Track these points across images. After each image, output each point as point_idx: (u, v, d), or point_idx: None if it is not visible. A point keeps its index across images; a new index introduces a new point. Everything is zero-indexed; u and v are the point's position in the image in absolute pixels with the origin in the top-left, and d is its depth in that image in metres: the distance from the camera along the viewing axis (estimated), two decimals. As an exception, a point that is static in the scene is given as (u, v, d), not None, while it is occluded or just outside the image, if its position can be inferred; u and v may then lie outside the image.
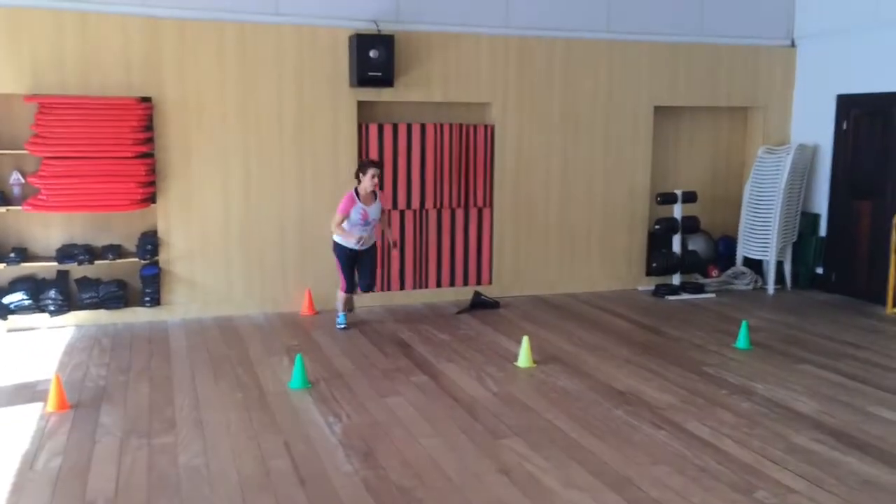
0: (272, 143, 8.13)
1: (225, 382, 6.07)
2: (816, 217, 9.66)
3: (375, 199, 7.43)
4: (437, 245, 8.87)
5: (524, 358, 6.55)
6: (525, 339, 6.63)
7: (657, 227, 9.29)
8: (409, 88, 8.45)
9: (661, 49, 9.37)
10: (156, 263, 7.90)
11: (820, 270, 9.65)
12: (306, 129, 8.20)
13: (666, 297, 9.19)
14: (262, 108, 8.05)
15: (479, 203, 8.96)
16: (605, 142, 9.32)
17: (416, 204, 8.70)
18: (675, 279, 9.41)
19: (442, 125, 8.72)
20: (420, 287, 8.85)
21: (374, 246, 7.67)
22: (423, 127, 8.63)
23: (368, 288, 7.78)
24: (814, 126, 9.65)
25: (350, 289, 7.67)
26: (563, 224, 9.29)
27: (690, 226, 9.38)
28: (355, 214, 7.32)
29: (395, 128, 8.55)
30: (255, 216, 8.17)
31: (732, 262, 10.01)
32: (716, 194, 10.14)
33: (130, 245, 8.01)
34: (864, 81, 8.94)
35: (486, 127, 8.89)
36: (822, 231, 9.60)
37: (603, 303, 8.90)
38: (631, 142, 9.41)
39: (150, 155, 7.70)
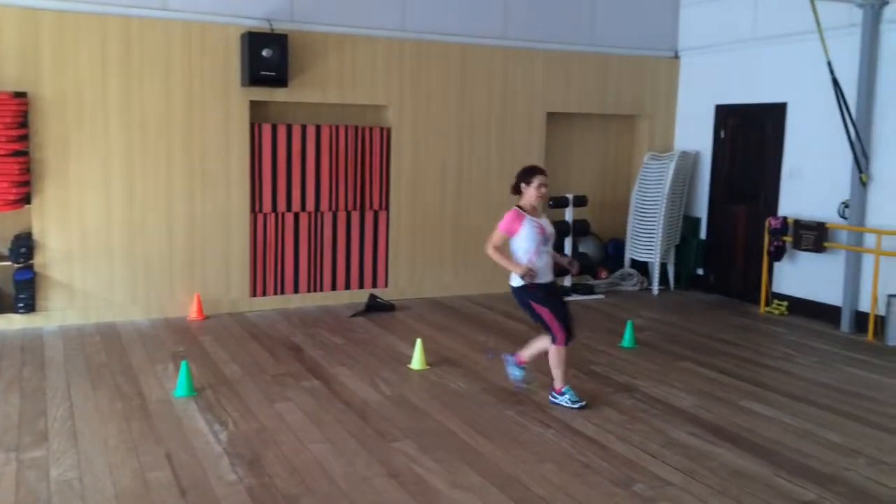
0: (159, 142, 7.85)
1: (104, 392, 5.81)
2: (697, 221, 10.14)
3: (544, 214, 5.81)
4: (333, 248, 8.79)
5: (418, 360, 6.58)
6: (419, 342, 6.66)
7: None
8: (304, 89, 8.34)
9: (554, 57, 9.62)
10: (30, 267, 7.49)
11: (700, 272, 10.13)
12: (196, 129, 7.97)
13: (558, 298, 9.41)
14: (148, 106, 7.76)
15: (375, 206, 8.94)
16: (500, 146, 9.49)
17: (310, 206, 8.60)
18: (567, 281, 9.67)
19: (338, 127, 8.65)
20: (315, 290, 8.75)
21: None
22: (318, 128, 8.54)
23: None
24: (695, 134, 10.13)
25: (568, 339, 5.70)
26: (458, 227, 9.39)
27: (581, 229, 9.67)
28: (529, 231, 5.58)
29: (289, 129, 8.42)
30: (141, 218, 7.87)
31: (621, 264, 10.37)
32: (605, 198, 10.49)
33: (3, 248, 7.57)
34: (740, 93, 9.46)
35: (382, 130, 8.88)
36: (703, 234, 10.09)
37: (498, 305, 9.03)
38: (525, 146, 9.60)
39: (24, 153, 7.29)
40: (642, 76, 10.18)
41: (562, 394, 5.71)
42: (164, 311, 8.03)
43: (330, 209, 8.70)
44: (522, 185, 5.71)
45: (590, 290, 9.67)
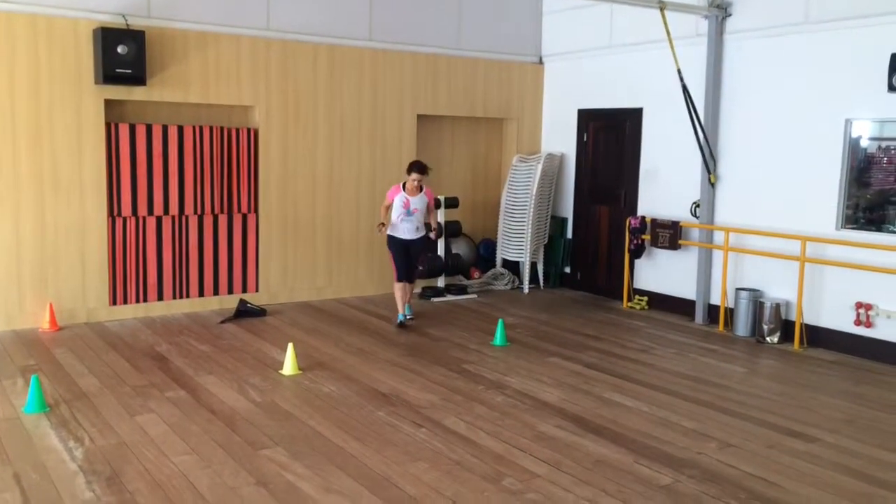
0: (3, 144, 7.32)
1: (-58, 412, 5.35)
2: (564, 221, 10.51)
3: (421, 193, 8.05)
4: (199, 252, 8.48)
5: (289, 365, 6.46)
6: (290, 347, 6.54)
7: (431, 235, 9.55)
8: (164, 88, 8.01)
9: (422, 60, 9.70)
10: None
11: (568, 270, 10.51)
12: (44, 129, 7.48)
13: (432, 298, 9.52)
14: (-11, 103, 7.22)
15: (244, 209, 8.70)
16: (371, 148, 9.47)
17: (174, 210, 8.26)
18: (440, 281, 9.78)
19: (202, 127, 8.36)
20: (180, 297, 8.41)
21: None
22: (180, 129, 8.22)
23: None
24: (560, 137, 10.51)
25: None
26: (330, 229, 9.29)
27: (454, 230, 9.80)
28: (398, 202, 7.97)
29: (149, 129, 8.06)
30: (-16, 224, 7.31)
31: (493, 264, 10.60)
32: (476, 200, 10.69)
33: None
34: (600, 98, 9.89)
35: (249, 130, 8.66)
36: (570, 233, 10.47)
37: (371, 307, 9.02)
38: (396, 148, 9.63)
39: None
40: (509, 80, 10.45)
41: (398, 316, 8.16)
42: (10, 322, 7.49)
43: (195, 212, 8.39)
44: (407, 172, 8.07)
45: (463, 290, 9.81)
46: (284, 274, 9.04)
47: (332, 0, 9.01)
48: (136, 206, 8.04)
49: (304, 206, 9.06)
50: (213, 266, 8.58)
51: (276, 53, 8.67)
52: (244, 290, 8.77)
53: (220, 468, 4.60)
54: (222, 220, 8.59)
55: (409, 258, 8.17)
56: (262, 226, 8.82)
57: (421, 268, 9.44)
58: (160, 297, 8.29)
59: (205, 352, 6.99)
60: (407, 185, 7.96)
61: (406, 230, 8.02)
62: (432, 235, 8.30)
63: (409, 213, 7.96)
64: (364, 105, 9.35)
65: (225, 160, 8.52)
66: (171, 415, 5.42)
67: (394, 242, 8.09)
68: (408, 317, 8.28)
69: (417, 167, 7.93)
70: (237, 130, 8.58)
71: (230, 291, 8.69)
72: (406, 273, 8.15)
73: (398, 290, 8.16)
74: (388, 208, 8.03)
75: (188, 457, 4.74)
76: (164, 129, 8.13)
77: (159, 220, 8.21)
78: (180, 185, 8.26)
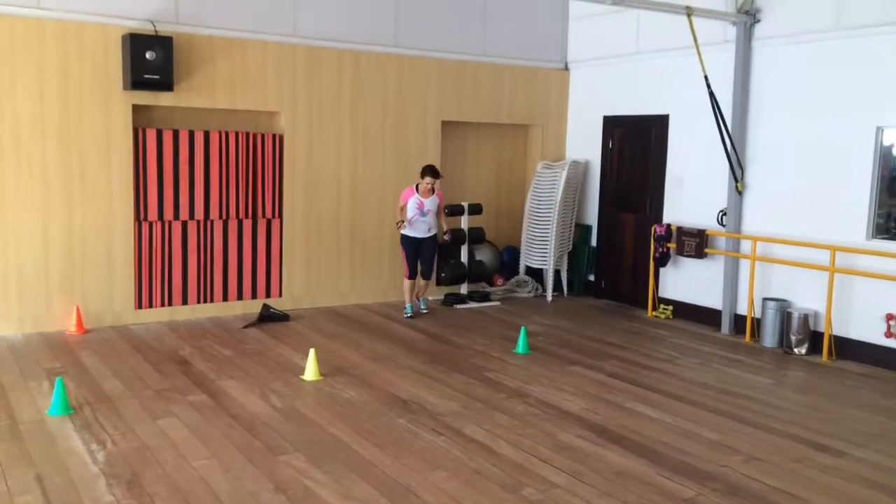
0: (33, 147, 7.43)
1: (-31, 413, 5.43)
2: (589, 228, 10.43)
3: (433, 196, 8.75)
4: (224, 257, 8.54)
5: (311, 371, 6.46)
6: (311, 352, 6.55)
7: (445, 237, 9.57)
8: (191, 94, 8.09)
9: (447, 66, 9.70)
10: None
11: (592, 278, 10.43)
12: (73, 135, 7.58)
13: (454, 305, 9.49)
14: (20, 109, 7.33)
15: (269, 214, 8.75)
16: (395, 154, 9.48)
17: (199, 214, 8.33)
18: (463, 288, 9.75)
19: (228, 133, 8.43)
20: (205, 301, 8.47)
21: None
22: (206, 134, 8.29)
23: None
24: (585, 144, 10.44)
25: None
26: (354, 235, 9.31)
27: (477, 236, 9.77)
28: (412, 203, 8.64)
29: (175, 134, 8.13)
30: (12, 226, 7.41)
31: (516, 271, 10.54)
32: (500, 206, 10.65)
33: None
34: (626, 104, 9.81)
35: (274, 136, 8.71)
36: (594, 241, 10.39)
37: (394, 313, 9.01)
38: (420, 154, 9.63)
39: None
40: (534, 86, 10.41)
41: (405, 308, 8.83)
42: (38, 324, 7.59)
43: (220, 217, 8.46)
44: (421, 176, 8.70)
45: (486, 297, 9.77)
46: (308, 279, 9.07)
47: (358, 6, 9.05)
48: (162, 210, 8.12)
49: (328, 211, 9.09)
50: (237, 271, 8.63)
51: (302, 59, 8.72)
52: (268, 295, 8.82)
53: (240, 473, 4.61)
54: (247, 225, 8.64)
55: (420, 256, 8.86)
56: (287, 231, 8.86)
57: (444, 274, 9.49)
58: (185, 302, 8.35)
59: (228, 356, 7.03)
60: (420, 187, 8.61)
61: (420, 230, 8.72)
62: (447, 237, 8.97)
63: (423, 213, 8.65)
64: (388, 111, 9.37)
65: (250, 165, 8.57)
66: (193, 419, 5.45)
67: (407, 241, 8.77)
68: (422, 309, 9.06)
69: (431, 171, 8.59)
70: (263, 136, 8.63)
71: (254, 296, 8.74)
72: (415, 271, 8.87)
73: (408, 286, 8.84)
74: (403, 209, 8.66)
75: (208, 461, 4.75)
76: (191, 134, 8.21)
77: (185, 224, 8.28)
78: (206, 189, 8.33)
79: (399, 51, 9.37)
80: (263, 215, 8.72)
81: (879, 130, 7.29)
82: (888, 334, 7.18)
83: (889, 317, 7.16)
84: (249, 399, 5.91)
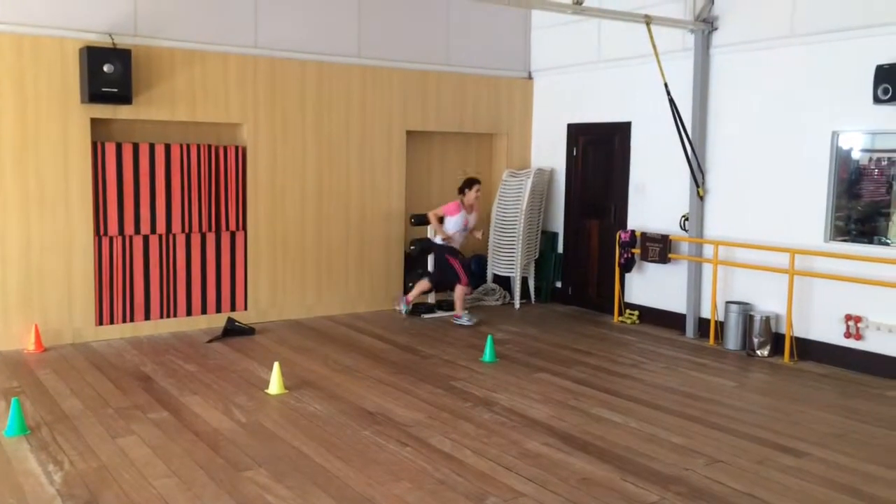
0: (-12, 162, 7.30)
1: (-79, 436, 5.29)
2: (555, 235, 10.49)
3: (475, 212, 9.23)
4: (187, 271, 8.44)
5: (275, 385, 6.40)
6: (276, 365, 6.49)
7: (412, 247, 9.57)
8: (150, 106, 8.00)
9: (411, 76, 9.70)
10: None
11: (559, 284, 10.47)
12: (30, 149, 7.45)
13: (422, 315, 9.46)
14: (-26, 123, 7.20)
15: (232, 227, 8.67)
16: (360, 164, 9.45)
17: (161, 228, 8.22)
18: (431, 298, 9.73)
19: (189, 146, 8.34)
20: (168, 316, 8.36)
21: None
22: (167, 147, 8.20)
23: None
24: (550, 152, 10.50)
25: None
26: (320, 247, 9.25)
27: (444, 245, 9.73)
28: (459, 220, 9.02)
29: (135, 148, 8.03)
30: (-32, 244, 7.27)
31: (484, 280, 10.55)
32: (466, 215, 10.64)
33: None
34: (589, 112, 9.90)
35: (237, 148, 8.64)
36: (560, 248, 10.44)
37: (361, 324, 8.97)
38: (385, 164, 9.62)
39: None
40: (498, 95, 10.45)
41: (460, 317, 8.92)
42: (-4, 344, 7.44)
43: (183, 231, 8.36)
44: (466, 189, 9.10)
45: (453, 306, 9.74)
46: (273, 292, 8.99)
47: (320, 17, 9.03)
48: (122, 224, 8.00)
49: (292, 223, 9.03)
50: (200, 285, 8.53)
51: (264, 71, 8.67)
52: (232, 309, 8.72)
53: (201, 491, 4.54)
54: (210, 238, 8.55)
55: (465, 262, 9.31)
56: (251, 244, 8.78)
57: (410, 284, 9.48)
58: (147, 317, 8.23)
59: (191, 372, 6.93)
60: (466, 201, 9.03)
61: (458, 244, 9.18)
62: (478, 235, 9.50)
63: (464, 229, 9.07)
64: (353, 122, 9.35)
65: (213, 178, 8.49)
66: (154, 437, 5.36)
67: (452, 250, 9.07)
68: (404, 312, 9.38)
69: (476, 181, 9.16)
70: (225, 148, 8.56)
71: (218, 310, 8.64)
72: (469, 276, 9.26)
73: (462, 292, 9.04)
74: (441, 223, 9.00)
75: (169, 480, 4.67)
76: (151, 147, 8.11)
77: (146, 238, 8.17)
78: (167, 203, 8.23)
79: (362, 61, 9.36)
80: (227, 228, 8.63)
81: (835, 135, 7.43)
82: (847, 335, 7.30)
83: (848, 317, 7.28)
84: (212, 415, 5.83)
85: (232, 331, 8.24)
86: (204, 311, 8.57)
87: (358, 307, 9.60)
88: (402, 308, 9.33)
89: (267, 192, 8.82)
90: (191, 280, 8.47)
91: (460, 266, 8.97)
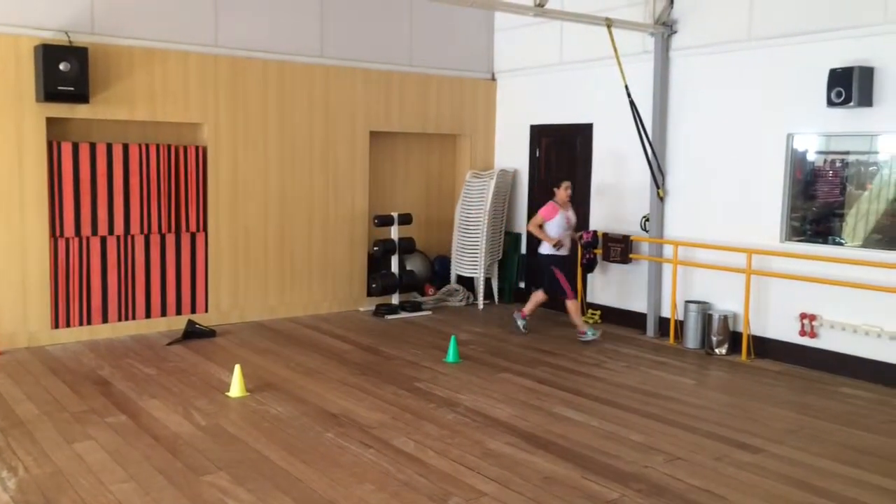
0: (-62, 162, 7.11)
1: None
2: (518, 236, 10.54)
3: (570, 209, 8.54)
4: (146, 273, 8.31)
5: (236, 387, 6.34)
6: (237, 368, 6.42)
7: (375, 248, 9.55)
8: (108, 106, 7.86)
9: (374, 76, 9.68)
10: None
11: (522, 285, 10.53)
12: (-18, 148, 7.29)
13: (386, 316, 9.44)
14: (-77, 122, 7.01)
15: (193, 228, 8.56)
16: (324, 165, 9.40)
17: (119, 230, 8.09)
18: (395, 298, 9.72)
19: (148, 146, 8.21)
20: (127, 319, 8.22)
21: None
22: (125, 147, 8.07)
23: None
24: (513, 152, 10.56)
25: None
26: (282, 248, 9.18)
27: (407, 246, 9.76)
28: (560, 219, 8.35)
29: (93, 147, 7.89)
30: (-82, 246, 7.07)
31: (448, 281, 10.57)
32: (430, 216, 10.67)
33: None
34: (551, 114, 9.97)
35: (197, 148, 8.53)
36: (524, 249, 10.50)
37: (324, 325, 8.92)
38: (349, 165, 9.58)
39: None
40: (462, 96, 10.48)
41: (585, 333, 8.32)
42: (-53, 349, 7.25)
43: (142, 232, 8.23)
44: (555, 188, 8.51)
45: (417, 306, 9.76)
46: (235, 294, 8.90)
47: (282, 16, 8.97)
48: (79, 226, 7.85)
49: (254, 224, 8.95)
50: (160, 287, 8.41)
51: (225, 70, 8.58)
52: (193, 311, 8.61)
53: (160, 495, 4.47)
54: (170, 239, 8.43)
55: (574, 272, 8.72)
56: (212, 245, 8.68)
57: (374, 285, 9.45)
58: (105, 320, 8.09)
59: (150, 375, 6.83)
60: (560, 199, 8.38)
61: (567, 246, 8.45)
62: (579, 238, 8.84)
63: (568, 228, 8.44)
64: (316, 122, 9.29)
65: (172, 179, 8.37)
66: (111, 441, 5.27)
67: (560, 261, 8.36)
68: (523, 327, 8.69)
69: (566, 178, 8.62)
70: (185, 148, 8.45)
71: (178, 312, 8.52)
72: (576, 288, 8.67)
73: (575, 307, 8.40)
74: (542, 228, 8.33)
75: (126, 485, 4.60)
76: (109, 147, 7.97)
77: (104, 240, 8.02)
78: (126, 204, 8.10)
79: (325, 61, 9.31)
80: (187, 229, 8.52)
81: (790, 137, 7.59)
82: (802, 333, 7.46)
83: (803, 316, 7.44)
84: (172, 418, 5.75)
85: (192, 333, 8.14)
86: (164, 314, 8.45)
87: (321, 308, 9.54)
88: (520, 323, 8.64)
89: (228, 193, 8.72)
90: (150, 282, 8.34)
91: (565, 279, 8.32)
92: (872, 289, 6.88)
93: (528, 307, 8.68)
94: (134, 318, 8.26)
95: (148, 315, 8.35)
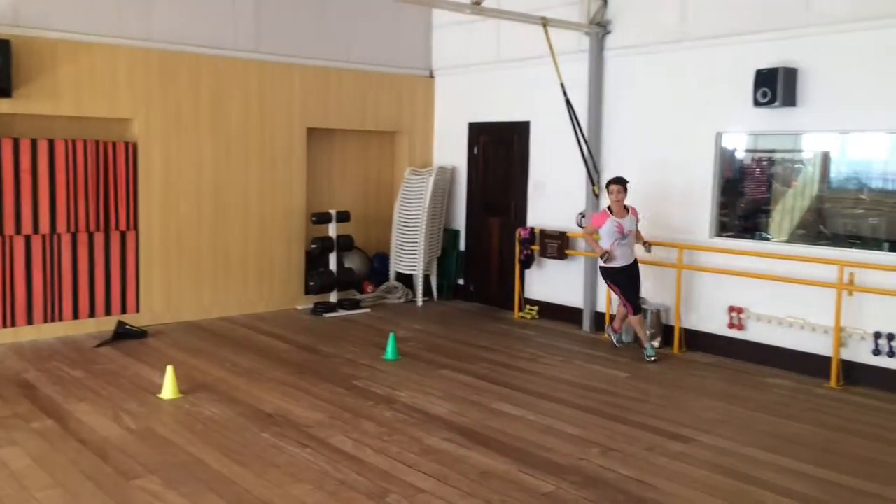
0: None
1: None
2: (457, 233, 10.58)
3: (629, 214, 7.66)
4: (73, 273, 8.05)
5: (168, 389, 6.19)
6: (169, 369, 6.28)
7: (313, 246, 9.46)
8: (31, 100, 7.59)
9: (311, 72, 9.57)
10: None
11: (461, 282, 10.58)
12: None
13: (324, 314, 9.36)
14: None
15: (122, 226, 8.32)
16: (260, 161, 9.26)
17: (45, 228, 7.81)
18: (333, 296, 9.64)
19: (75, 141, 7.96)
20: (53, 320, 7.95)
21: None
22: (51, 143, 7.80)
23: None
24: (451, 150, 10.59)
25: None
26: (217, 246, 9.01)
27: (346, 244, 9.69)
28: (610, 227, 7.54)
29: (15, 143, 7.60)
30: None
31: (387, 278, 10.54)
32: (368, 213, 10.61)
33: None
34: (489, 111, 10.03)
35: (127, 144, 8.30)
36: (462, 246, 10.54)
37: (260, 325, 8.79)
38: (286, 162, 9.46)
39: None
40: (400, 93, 10.45)
41: (645, 348, 7.62)
42: None
43: (69, 230, 7.97)
44: (605, 191, 7.80)
45: (356, 304, 9.70)
46: (167, 293, 8.69)
47: (216, 10, 8.79)
48: (1, 224, 7.56)
49: (187, 221, 8.75)
50: (88, 287, 8.15)
51: (157, 64, 8.36)
52: (123, 312, 8.38)
53: (88, 501, 4.35)
54: (98, 238, 8.18)
55: (634, 284, 7.70)
56: (143, 243, 8.46)
57: (312, 283, 9.36)
58: (30, 321, 7.81)
59: (78, 378, 6.62)
60: (613, 206, 7.58)
61: (623, 256, 7.59)
62: (647, 248, 7.70)
63: (623, 236, 7.54)
64: (251, 118, 9.14)
65: (101, 175, 8.13)
66: (37, 447, 5.09)
67: (614, 274, 7.62)
68: (623, 340, 8.07)
69: (617, 180, 7.59)
70: (114, 144, 8.21)
71: (108, 313, 8.28)
72: (638, 301, 7.68)
73: (638, 323, 7.66)
74: (595, 237, 7.66)
75: (53, 491, 4.46)
76: (34, 143, 7.69)
77: (28, 238, 7.74)
78: (52, 202, 7.82)
79: (261, 56, 9.17)
80: (117, 227, 8.28)
81: (719, 135, 7.80)
82: (730, 325, 7.69)
83: (731, 309, 7.66)
84: (100, 422, 5.59)
85: (122, 334, 7.92)
86: (92, 315, 8.20)
87: (257, 307, 9.40)
88: (614, 337, 8.03)
89: (160, 190, 8.51)
90: (77, 282, 8.08)
91: (622, 294, 7.60)
92: (796, 282, 7.13)
93: (617, 322, 8.02)
94: (61, 319, 8.00)
95: (76, 316, 8.09)
